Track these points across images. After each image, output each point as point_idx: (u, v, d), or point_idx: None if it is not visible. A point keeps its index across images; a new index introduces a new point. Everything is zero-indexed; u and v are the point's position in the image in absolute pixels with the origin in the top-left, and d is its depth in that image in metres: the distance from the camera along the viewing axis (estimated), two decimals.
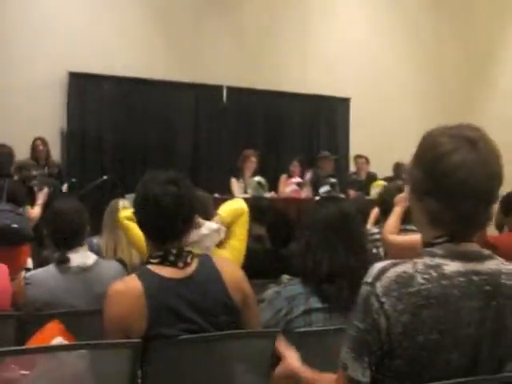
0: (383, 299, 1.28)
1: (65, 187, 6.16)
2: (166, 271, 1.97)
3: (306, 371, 1.58)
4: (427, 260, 1.33)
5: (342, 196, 6.99)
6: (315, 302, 2.12)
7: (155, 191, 1.99)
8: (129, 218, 3.10)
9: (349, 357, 1.32)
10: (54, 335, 2.14)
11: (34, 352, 1.95)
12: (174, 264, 1.98)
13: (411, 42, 10.25)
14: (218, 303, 1.99)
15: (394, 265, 1.33)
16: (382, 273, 1.31)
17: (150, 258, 2.02)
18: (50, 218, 2.86)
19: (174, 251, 1.99)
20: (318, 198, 7.06)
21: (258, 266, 2.74)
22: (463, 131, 1.35)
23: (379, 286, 1.30)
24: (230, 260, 2.51)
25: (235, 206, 3.14)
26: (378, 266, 1.34)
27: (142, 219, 2.07)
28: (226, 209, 3.12)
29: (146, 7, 8.57)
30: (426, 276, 1.29)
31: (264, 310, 2.16)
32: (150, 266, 2.00)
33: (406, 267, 1.31)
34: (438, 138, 1.35)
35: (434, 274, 1.30)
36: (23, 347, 2.06)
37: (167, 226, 2.00)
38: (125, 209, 3.44)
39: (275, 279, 2.48)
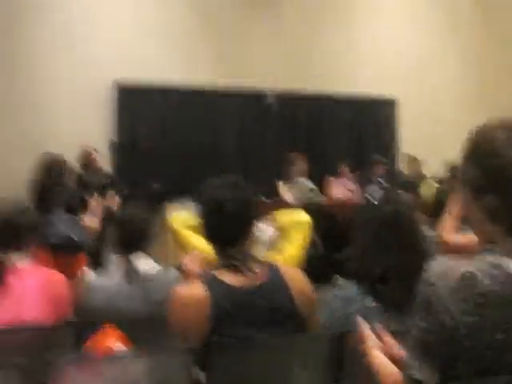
0: (446, 299, 1.26)
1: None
2: (232, 279, 1.98)
3: (375, 351, 1.44)
4: (489, 258, 1.30)
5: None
6: (370, 303, 2.10)
7: (217, 196, 2.03)
8: (181, 225, 3.11)
9: (413, 357, 1.30)
10: (113, 341, 2.16)
11: (95, 359, 1.98)
12: (239, 271, 1.99)
13: (460, 42, 10.08)
14: (284, 312, 1.98)
15: (457, 264, 1.30)
16: (445, 272, 1.29)
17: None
18: (116, 224, 2.88)
19: (239, 257, 2.00)
20: (367, 199, 7.01)
21: (311, 271, 2.72)
22: None
23: (442, 286, 1.27)
24: (295, 268, 2.50)
25: (295, 214, 3.13)
26: (439, 264, 1.32)
27: (207, 224, 2.09)
28: (285, 213, 3.11)
29: (193, 16, 8.68)
30: (489, 276, 1.27)
31: (320, 312, 2.15)
32: (215, 272, 2.01)
33: (468, 266, 1.29)
34: (492, 133, 1.33)
35: (498, 273, 1.27)
36: (85, 354, 2.09)
37: (231, 230, 2.02)
38: (176, 215, 3.46)
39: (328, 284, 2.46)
